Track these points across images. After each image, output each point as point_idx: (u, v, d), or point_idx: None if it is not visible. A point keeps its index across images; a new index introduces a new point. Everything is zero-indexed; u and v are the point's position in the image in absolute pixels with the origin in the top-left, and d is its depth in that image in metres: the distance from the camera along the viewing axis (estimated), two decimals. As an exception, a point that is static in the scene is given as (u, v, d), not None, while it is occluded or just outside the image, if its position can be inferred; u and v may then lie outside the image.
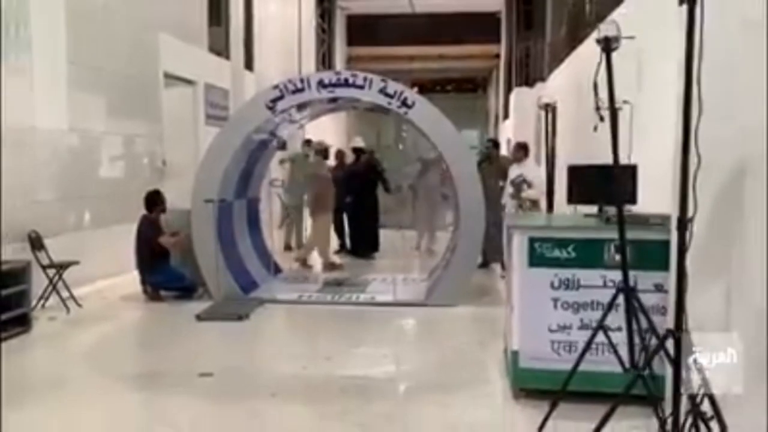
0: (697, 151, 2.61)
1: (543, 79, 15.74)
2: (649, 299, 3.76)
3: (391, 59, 22.42)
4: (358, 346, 5.44)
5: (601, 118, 5.10)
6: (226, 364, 4.93)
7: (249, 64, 13.00)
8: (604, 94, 3.44)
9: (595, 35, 3.25)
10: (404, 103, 6.64)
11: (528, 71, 17.56)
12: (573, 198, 4.67)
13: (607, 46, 3.20)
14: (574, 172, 4.66)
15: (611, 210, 4.13)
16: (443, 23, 21.22)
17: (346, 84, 6.71)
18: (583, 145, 9.41)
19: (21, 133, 6.40)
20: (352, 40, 22.02)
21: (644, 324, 3.10)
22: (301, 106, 7.11)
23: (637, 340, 3.16)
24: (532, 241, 3.98)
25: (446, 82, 30.62)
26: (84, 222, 7.48)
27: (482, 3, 20.64)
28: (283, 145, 8.62)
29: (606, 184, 4.37)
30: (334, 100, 7.08)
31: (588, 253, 3.95)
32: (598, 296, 3.91)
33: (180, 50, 9.82)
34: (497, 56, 22.63)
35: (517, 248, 4.00)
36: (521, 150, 8.30)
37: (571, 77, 10.73)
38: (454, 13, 20.93)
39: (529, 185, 7.82)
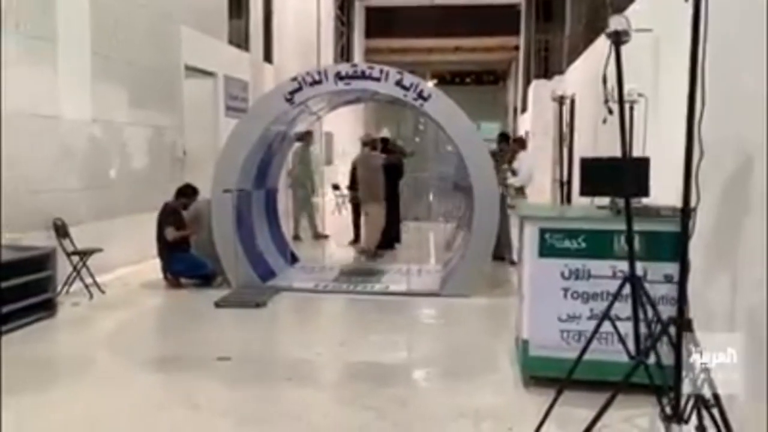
0: (700, 142, 2.66)
1: (561, 72, 15.69)
2: (658, 290, 3.83)
3: (409, 51, 22.47)
4: (372, 334, 5.55)
5: (610, 111, 5.17)
6: (243, 348, 5.07)
7: (268, 57, 13.15)
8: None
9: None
10: (420, 96, 6.71)
11: (547, 64, 17.52)
12: (585, 190, 4.72)
13: (617, 39, 3.26)
14: (587, 164, 4.71)
15: (622, 202, 4.20)
16: (462, 15, 21.21)
17: (362, 76, 6.80)
18: (601, 137, 9.42)
19: (46, 122, 6.59)
20: (370, 33, 22.09)
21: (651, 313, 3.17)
22: (319, 98, 7.20)
23: (643, 329, 3.23)
24: (542, 231, 4.05)
25: (465, 74, 30.57)
26: (107, 211, 7.65)
27: (502, -5, 20.61)
28: (301, 137, 8.75)
29: (617, 176, 4.44)
30: (352, 92, 7.18)
31: (598, 244, 4.01)
32: (607, 286, 3.97)
33: (201, 42, 9.97)
34: (516, 48, 22.56)
35: (528, 239, 4.08)
36: (516, 143, 9.09)
37: (589, 70, 10.70)
38: (473, 4, 20.91)
39: (513, 173, 8.43)
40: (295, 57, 14.55)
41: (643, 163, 4.64)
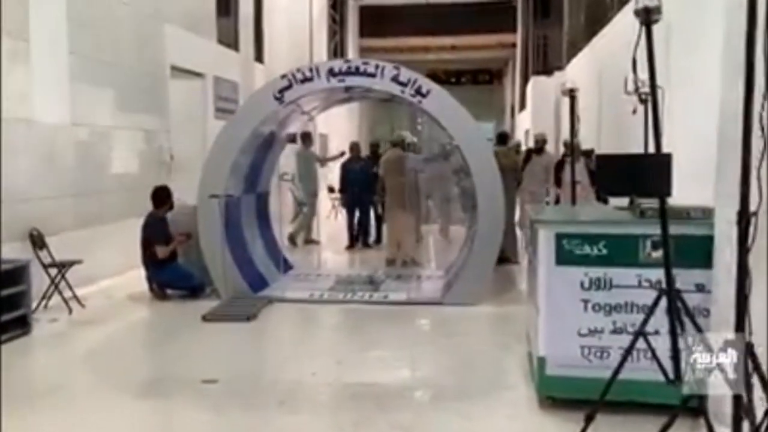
0: (764, 136, 2.26)
1: (561, 68, 15.32)
2: (690, 300, 3.41)
3: (404, 50, 22.07)
4: (371, 350, 5.13)
5: (642, 99, 4.77)
6: (231, 369, 4.64)
7: (259, 57, 12.73)
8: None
9: (632, 5, 2.90)
10: (418, 92, 6.31)
11: (546, 60, 17.15)
12: (603, 190, 4.32)
13: (647, 18, 2.86)
14: (604, 161, 4.30)
15: (645, 202, 3.81)
16: (457, 12, 20.83)
17: (357, 72, 6.39)
18: (607, 133, 9.01)
19: (20, 126, 6.17)
20: (364, 32, 21.69)
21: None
22: (312, 96, 6.80)
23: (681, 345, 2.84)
24: (559, 237, 3.64)
25: (461, 73, 30.20)
26: (90, 218, 7.24)
27: (497, -9, 20.23)
28: (293, 138, 8.33)
29: (639, 174, 4.04)
30: (345, 89, 6.77)
31: (621, 250, 3.61)
32: (632, 297, 3.58)
33: (188, 42, 9.56)
34: (513, 46, 22.20)
35: (543, 245, 3.67)
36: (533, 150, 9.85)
37: (592, 63, 10.32)
38: (468, 2, 20.53)
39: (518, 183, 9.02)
40: (286, 57, 14.12)
41: (665, 160, 4.25)
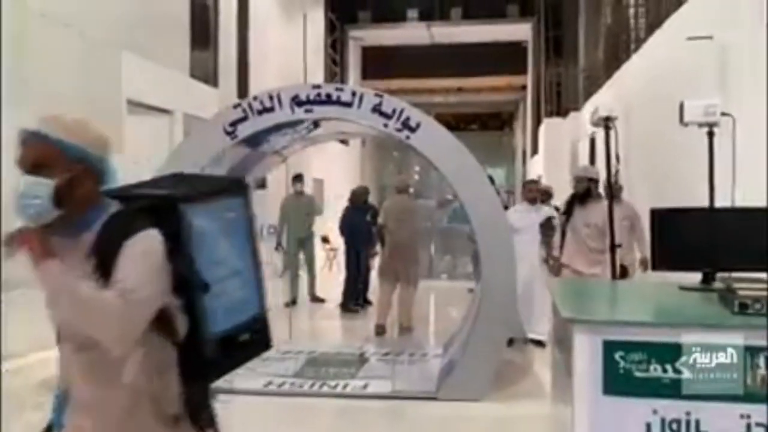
0: None
1: (577, 109, 14.05)
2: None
3: (409, 92, 20.96)
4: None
5: (711, 131, 3.41)
6: None
7: (243, 94, 11.51)
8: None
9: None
10: (406, 125, 4.96)
11: (559, 101, 15.91)
12: (663, 259, 2.88)
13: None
14: (665, 218, 2.88)
15: (737, 282, 2.40)
16: (464, 54, 19.77)
17: (328, 101, 5.06)
18: (639, 178, 7.60)
19: None
20: (367, 73, 20.61)
21: None
22: (273, 132, 5.46)
23: None
24: (610, 348, 2.19)
25: (470, 119, 29.18)
26: (6, 280, 5.86)
27: (506, 32, 19.16)
28: (262, 183, 7.02)
29: (728, 237, 2.64)
30: (315, 123, 5.45)
31: (715, 373, 2.15)
32: (735, 452, 2.12)
33: (151, 74, 8.34)
34: (523, 88, 21.04)
35: (583, 360, 2.22)
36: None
37: (616, 99, 8.99)
38: (476, 43, 19.48)
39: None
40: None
41: (761, 216, 2.84)
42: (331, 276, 11.80)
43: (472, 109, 26.48)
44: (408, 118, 4.96)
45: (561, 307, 2.39)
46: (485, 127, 30.09)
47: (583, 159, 11.32)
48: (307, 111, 5.09)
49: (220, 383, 4.78)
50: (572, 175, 5.94)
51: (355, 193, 9.51)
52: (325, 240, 13.49)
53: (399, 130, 4.97)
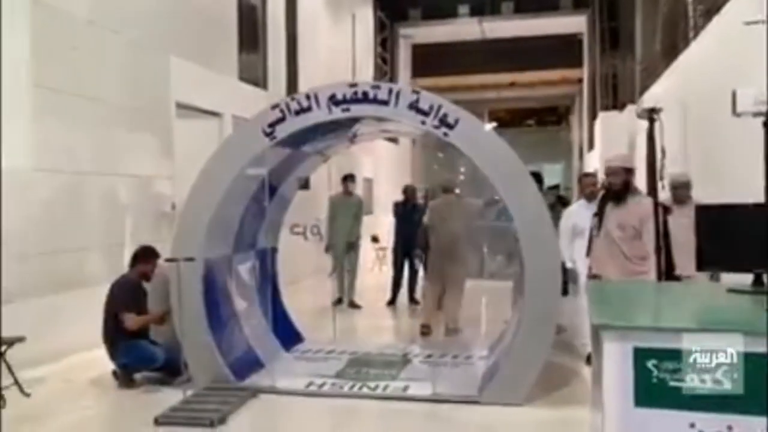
0: None
1: (634, 102, 13.55)
2: None
3: (461, 89, 20.75)
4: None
5: (766, 121, 3.17)
6: None
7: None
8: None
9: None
10: (443, 122, 4.85)
11: (616, 94, 15.39)
12: (710, 259, 2.68)
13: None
14: (712, 215, 2.67)
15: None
16: (518, 48, 19.43)
17: (365, 99, 5.00)
18: (695, 172, 7.23)
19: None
20: (417, 71, 20.50)
21: None
22: (313, 131, 5.44)
23: None
24: (641, 356, 2.04)
25: (526, 114, 28.69)
26: (55, 283, 6.07)
27: (560, 24, 18.70)
28: (305, 184, 7.02)
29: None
30: (353, 121, 5.40)
31: (759, 384, 1.97)
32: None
33: (199, 77, 8.49)
34: (579, 81, 20.49)
35: (613, 369, 2.07)
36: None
37: (673, 90, 8.60)
38: (529, 37, 19.09)
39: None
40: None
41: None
42: (381, 276, 11.75)
43: (527, 105, 26.00)
44: (446, 115, 4.84)
45: (592, 311, 2.25)
46: (542, 122, 29.56)
47: (641, 154, 10.88)
48: (344, 110, 5.05)
49: (265, 381, 4.82)
50: (605, 165, 4.99)
51: (407, 190, 9.44)
52: (374, 239, 13.47)
53: (437, 128, 4.87)
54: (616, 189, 4.70)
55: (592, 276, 4.76)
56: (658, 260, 4.05)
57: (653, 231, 4.20)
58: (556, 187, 9.64)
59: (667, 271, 4.24)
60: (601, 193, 5.22)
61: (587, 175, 7.05)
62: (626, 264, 4.52)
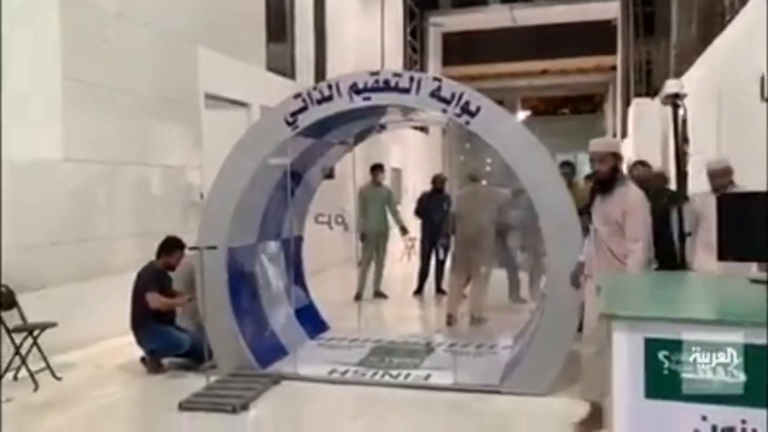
0: None
1: (669, 88, 13.22)
2: None
3: (491, 77, 20.53)
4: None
5: None
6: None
7: (320, 85, 11.64)
8: None
9: None
10: (465, 110, 4.80)
11: (650, 81, 15.06)
12: (730, 248, 2.61)
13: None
14: (732, 203, 2.60)
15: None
16: (549, 35, 19.13)
17: (386, 87, 4.98)
18: (736, 161, 7.03)
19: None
20: (448, 60, 20.34)
21: None
22: (336, 120, 5.45)
23: None
24: (653, 347, 2.00)
25: (560, 102, 28.24)
26: (86, 270, 6.22)
27: (593, 10, 18.33)
28: (329, 174, 7.04)
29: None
30: (374, 109, 5.39)
31: (776, 377, 1.91)
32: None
33: (227, 68, 8.56)
34: (613, 68, 20.08)
35: (623, 360, 2.03)
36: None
37: (707, 77, 8.37)
38: (561, 23, 18.76)
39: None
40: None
41: None
42: (409, 266, 11.73)
43: (561, 92, 25.60)
44: (467, 103, 4.80)
45: (602, 301, 2.21)
46: (577, 111, 29.09)
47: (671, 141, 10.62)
48: (365, 99, 5.04)
49: (288, 368, 4.83)
50: (589, 151, 4.23)
51: (436, 179, 9.39)
52: (403, 230, 13.42)
53: (458, 115, 4.82)
54: (602, 177, 4.10)
55: (585, 277, 4.28)
56: (674, 253, 3.89)
57: (641, 225, 3.87)
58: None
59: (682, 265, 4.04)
60: (589, 185, 4.76)
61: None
62: (612, 262, 4.00)
